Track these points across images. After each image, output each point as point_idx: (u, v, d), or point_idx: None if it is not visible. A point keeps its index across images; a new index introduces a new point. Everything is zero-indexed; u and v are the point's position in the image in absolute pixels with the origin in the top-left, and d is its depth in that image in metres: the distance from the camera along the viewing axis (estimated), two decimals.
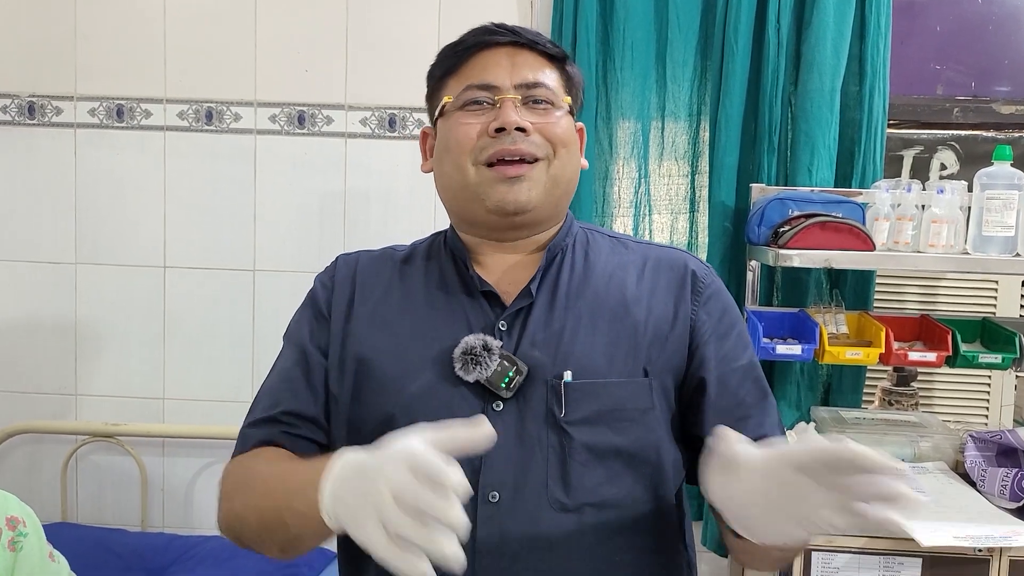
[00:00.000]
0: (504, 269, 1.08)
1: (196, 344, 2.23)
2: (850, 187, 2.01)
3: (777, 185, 2.02)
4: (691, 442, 1.07)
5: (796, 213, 1.83)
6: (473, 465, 0.98)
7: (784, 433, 1.11)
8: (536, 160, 1.04)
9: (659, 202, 2.15)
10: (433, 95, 1.11)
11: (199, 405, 2.24)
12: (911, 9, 2.30)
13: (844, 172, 2.04)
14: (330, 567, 2.05)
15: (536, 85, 1.05)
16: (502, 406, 1.00)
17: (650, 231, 2.14)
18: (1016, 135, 2.30)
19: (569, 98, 1.09)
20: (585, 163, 1.14)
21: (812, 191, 1.92)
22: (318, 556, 2.05)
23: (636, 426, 1.02)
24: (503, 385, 0.99)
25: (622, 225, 2.14)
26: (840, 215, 1.79)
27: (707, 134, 2.09)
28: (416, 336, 1.04)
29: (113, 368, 2.24)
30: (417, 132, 2.15)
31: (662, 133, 2.12)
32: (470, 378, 0.99)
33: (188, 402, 2.24)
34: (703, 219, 2.11)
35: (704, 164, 2.11)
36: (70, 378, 2.24)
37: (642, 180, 2.12)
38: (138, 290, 2.22)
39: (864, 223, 1.82)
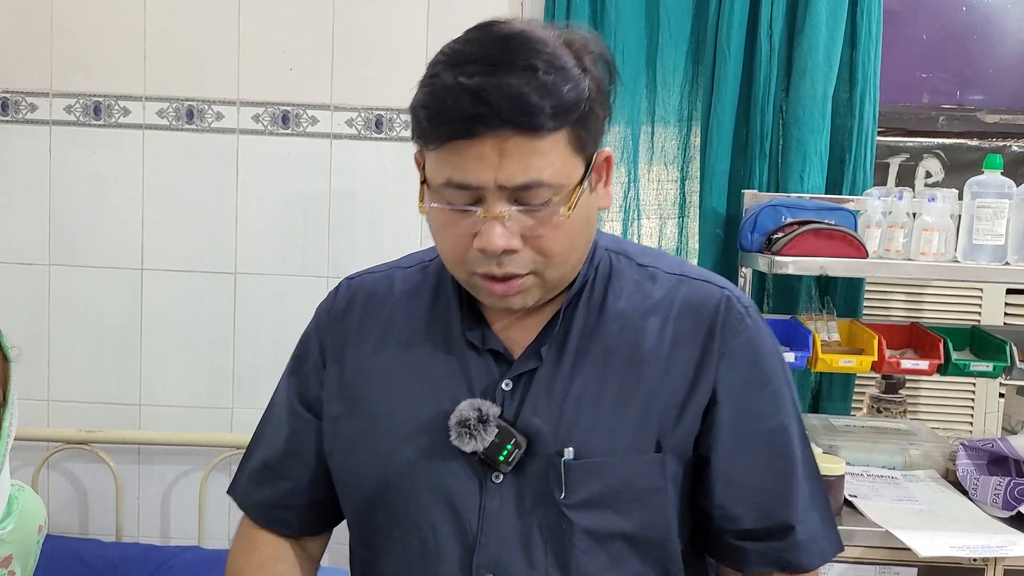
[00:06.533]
0: (514, 317, 0.97)
1: (174, 348, 2.17)
2: (840, 194, 2.01)
3: (768, 191, 2.01)
4: (702, 510, 0.98)
5: (789, 220, 1.82)
6: (467, 541, 0.93)
7: (820, 510, 0.99)
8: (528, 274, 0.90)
9: (648, 207, 2.14)
10: (415, 139, 0.93)
11: (176, 411, 2.18)
12: (898, 18, 2.31)
13: (834, 179, 2.04)
14: None
15: (529, 187, 0.85)
16: (502, 478, 0.93)
17: (639, 236, 2.13)
18: (1000, 144, 2.31)
19: (588, 152, 0.90)
20: (608, 200, 0.97)
21: (805, 198, 1.91)
22: None
23: (644, 507, 0.93)
24: (500, 459, 0.91)
25: (610, 230, 2.12)
26: (833, 222, 1.79)
27: (698, 140, 2.08)
28: (413, 393, 0.97)
29: (87, 372, 2.18)
30: (405, 133, 2.11)
31: (652, 138, 2.11)
32: (466, 449, 0.92)
33: (165, 408, 2.18)
34: (693, 225, 2.10)
35: (695, 170, 2.10)
36: (42, 383, 2.17)
37: (631, 185, 2.11)
38: (114, 292, 2.16)
39: (856, 230, 1.81)
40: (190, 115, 2.13)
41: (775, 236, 1.79)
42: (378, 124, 2.12)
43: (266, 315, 2.15)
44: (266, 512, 1.07)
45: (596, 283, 0.98)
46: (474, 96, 0.82)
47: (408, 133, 2.09)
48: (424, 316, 1.00)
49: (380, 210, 2.13)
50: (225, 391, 2.16)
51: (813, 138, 1.98)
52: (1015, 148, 2.31)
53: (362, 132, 2.12)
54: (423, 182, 0.91)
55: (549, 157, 0.85)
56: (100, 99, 2.13)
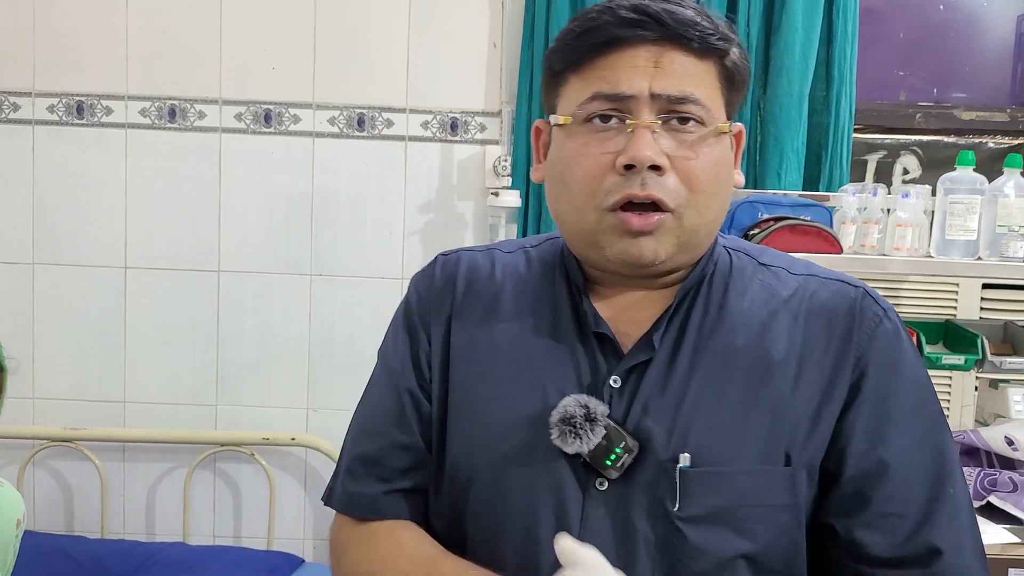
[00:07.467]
0: (625, 304, 0.90)
1: (158, 346, 2.18)
2: (817, 190, 2.04)
3: (745, 188, 2.04)
4: (833, 532, 0.86)
5: (765, 216, 1.84)
6: None
7: (973, 534, 0.86)
8: (668, 210, 0.83)
9: None
10: (550, 90, 0.90)
11: (161, 409, 2.19)
12: (875, 16, 2.33)
13: (811, 176, 2.07)
14: (298, 571, 2.02)
15: (683, 100, 0.82)
16: (607, 485, 0.84)
17: None
18: (976, 140, 2.34)
19: (726, 113, 0.86)
20: (740, 179, 0.90)
21: (782, 194, 1.94)
22: (284, 562, 2.02)
23: (768, 527, 0.83)
24: (608, 463, 0.82)
25: None
26: (809, 218, 1.81)
27: None
28: (515, 383, 0.88)
29: (72, 370, 2.18)
30: (387, 131, 2.13)
31: None
32: (569, 450, 0.83)
33: (150, 405, 2.19)
34: None
35: None
36: (27, 381, 2.18)
37: None
38: (98, 291, 2.17)
39: (832, 226, 1.84)
40: (172, 114, 2.13)
41: (751, 232, 1.81)
42: (360, 122, 2.13)
43: (249, 313, 2.16)
44: (373, 502, 0.93)
45: (715, 278, 0.90)
46: (632, 8, 0.82)
47: (390, 132, 2.14)
48: (530, 299, 0.92)
49: (362, 208, 2.14)
50: (209, 388, 2.17)
51: (790, 135, 2.01)
52: (991, 145, 2.34)
53: (344, 130, 2.14)
54: (543, 142, 0.92)
55: (702, 80, 0.84)
56: (83, 98, 2.13)
